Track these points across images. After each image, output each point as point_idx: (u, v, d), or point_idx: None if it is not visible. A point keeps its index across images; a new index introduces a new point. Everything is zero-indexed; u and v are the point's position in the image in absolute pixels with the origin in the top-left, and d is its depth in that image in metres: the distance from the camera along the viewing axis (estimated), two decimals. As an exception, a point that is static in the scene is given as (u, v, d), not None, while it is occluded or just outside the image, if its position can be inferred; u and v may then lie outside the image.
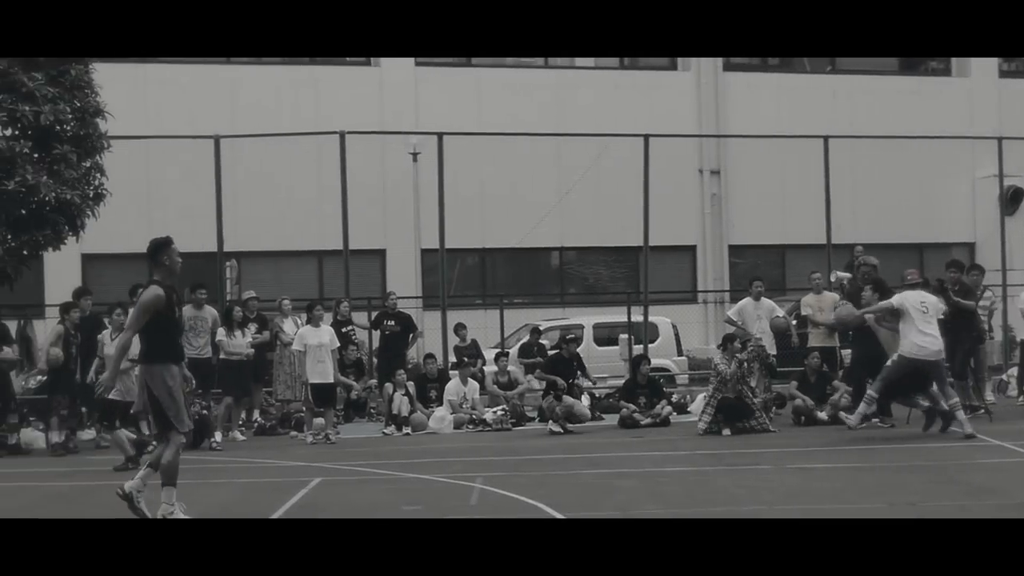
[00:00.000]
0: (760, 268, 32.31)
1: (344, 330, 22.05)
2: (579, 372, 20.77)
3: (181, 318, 11.76)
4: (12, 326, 20.29)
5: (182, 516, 11.28)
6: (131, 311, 11.52)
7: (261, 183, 29.97)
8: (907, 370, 16.45)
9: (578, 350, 21.24)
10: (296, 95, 31.69)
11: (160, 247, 11.64)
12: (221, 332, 19.80)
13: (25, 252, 20.81)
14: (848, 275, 20.61)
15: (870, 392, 16.74)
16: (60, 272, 27.45)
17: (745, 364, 19.00)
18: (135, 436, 17.13)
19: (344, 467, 15.64)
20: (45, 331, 20.87)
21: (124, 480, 11.64)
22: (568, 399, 20.02)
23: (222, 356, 19.85)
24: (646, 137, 25.23)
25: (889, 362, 16.66)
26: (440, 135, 24.66)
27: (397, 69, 32.51)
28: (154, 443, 16.24)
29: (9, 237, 20.19)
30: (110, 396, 16.20)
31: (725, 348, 19.04)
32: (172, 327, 11.59)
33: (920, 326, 16.41)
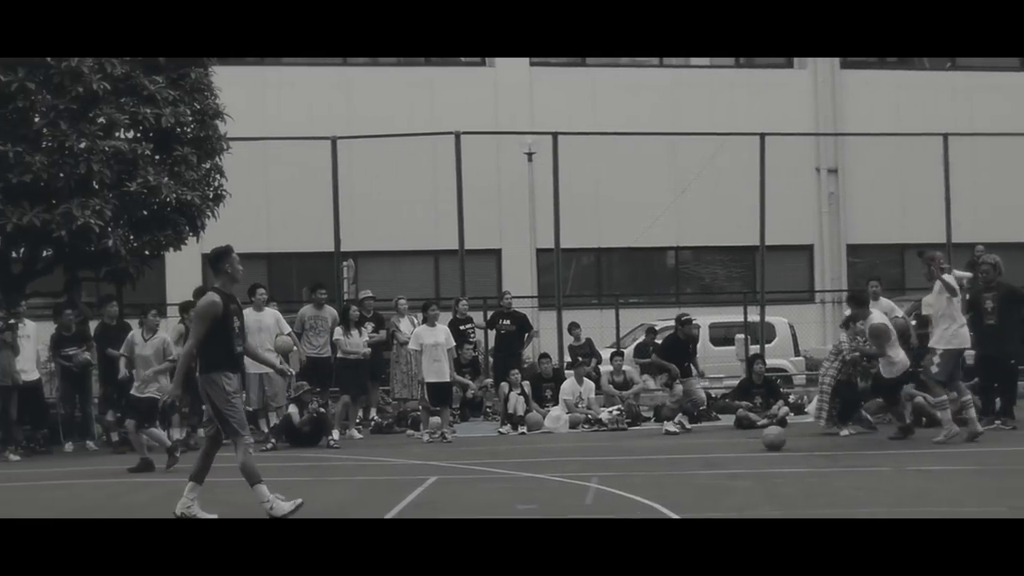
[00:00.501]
0: (878, 267, 31.95)
1: (463, 328, 22.17)
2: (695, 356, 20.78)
3: (242, 326, 11.83)
4: (135, 325, 20.61)
5: (284, 506, 11.42)
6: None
7: (377, 184, 30.18)
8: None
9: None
10: (411, 96, 31.89)
11: (222, 255, 11.88)
12: (338, 331, 20.00)
13: (147, 252, 21.13)
14: (968, 275, 20.29)
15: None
16: (181, 272, 27.87)
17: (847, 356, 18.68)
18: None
19: (460, 466, 15.69)
20: (166, 330, 21.18)
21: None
22: (680, 386, 19.98)
23: (339, 355, 20.04)
24: (762, 136, 25.07)
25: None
26: (555, 135, 24.68)
27: (512, 69, 32.59)
28: (180, 449, 16.53)
29: (131, 238, 20.50)
30: (148, 394, 16.52)
31: (848, 327, 18.77)
32: (229, 335, 11.57)
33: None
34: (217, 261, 11.85)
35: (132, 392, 17.11)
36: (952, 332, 17.05)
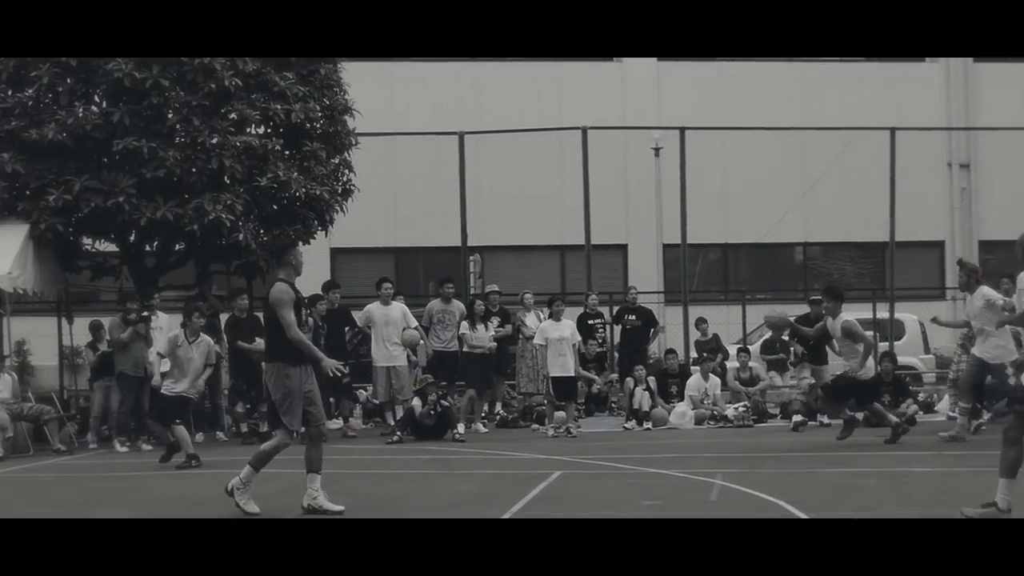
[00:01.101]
0: (1012, 265, 31.32)
1: (591, 323, 22.19)
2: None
3: (308, 319, 12.13)
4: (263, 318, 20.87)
5: (252, 507, 11.75)
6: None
7: (504, 178, 30.28)
8: None
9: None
10: (539, 91, 31.94)
11: (287, 247, 12.37)
12: (464, 326, 20.11)
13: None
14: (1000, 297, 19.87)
15: None
16: (309, 266, 27.94)
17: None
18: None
19: (584, 461, 15.69)
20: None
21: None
22: (810, 372, 19.85)
23: (465, 349, 20.16)
24: (892, 130, 24.75)
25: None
26: (682, 130, 24.58)
27: (639, 64, 32.50)
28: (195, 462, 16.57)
29: (261, 232, 20.79)
30: (177, 392, 16.69)
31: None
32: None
33: None
34: (283, 253, 12.26)
35: (162, 390, 17.25)
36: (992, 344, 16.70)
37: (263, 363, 12.04)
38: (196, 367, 17.13)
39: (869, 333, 18.61)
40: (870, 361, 17.01)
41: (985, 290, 16.75)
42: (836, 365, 18.14)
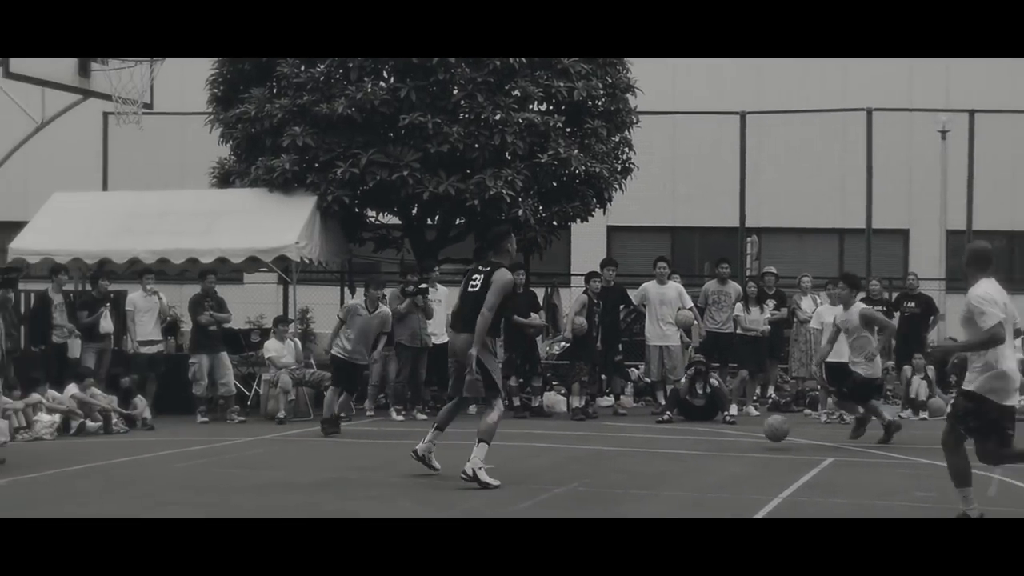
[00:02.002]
0: None
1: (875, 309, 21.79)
2: None
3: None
4: (539, 293, 21.16)
5: (490, 480, 11.98)
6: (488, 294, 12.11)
7: (785, 159, 29.90)
8: None
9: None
10: (823, 71, 31.40)
11: (504, 234, 12.69)
12: (738, 307, 20.00)
13: (555, 223, 21.67)
14: None
15: None
16: (586, 243, 28.36)
17: None
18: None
19: (858, 448, 15.46)
20: (570, 300, 21.65)
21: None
22: None
23: (739, 331, 20.04)
24: None
25: None
26: (972, 112, 23.97)
27: (928, 44, 31.64)
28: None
29: (540, 208, 21.05)
30: (353, 360, 17.34)
31: None
32: (508, 309, 12.81)
33: None
34: (500, 240, 12.62)
35: (335, 353, 17.58)
36: None
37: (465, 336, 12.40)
38: (374, 334, 17.79)
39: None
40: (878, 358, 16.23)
41: None
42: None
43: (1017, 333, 12.97)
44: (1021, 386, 10.65)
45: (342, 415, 17.68)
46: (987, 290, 9.78)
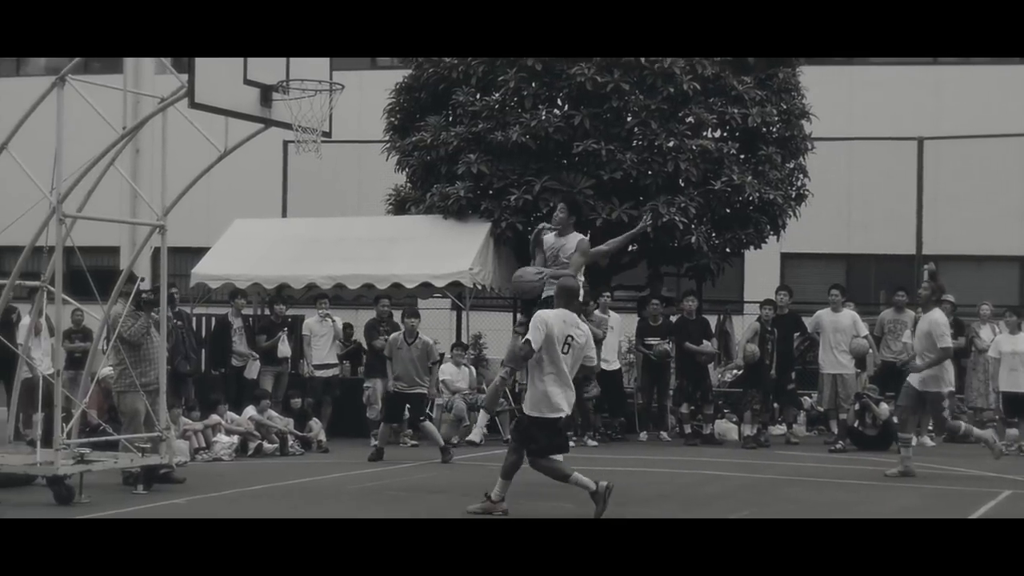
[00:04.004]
0: None
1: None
2: None
3: None
4: (712, 320, 21.09)
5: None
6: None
7: (963, 185, 29.37)
8: None
9: None
10: (1004, 95, 30.80)
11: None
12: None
13: (728, 250, 21.61)
14: None
15: None
16: (759, 270, 28.17)
17: None
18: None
19: (1036, 482, 15.14)
20: (742, 327, 21.53)
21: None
22: None
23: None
24: None
25: None
26: None
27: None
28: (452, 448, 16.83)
29: (713, 235, 21.01)
30: (415, 392, 17.15)
31: None
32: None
33: None
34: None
35: (393, 389, 17.47)
36: None
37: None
38: (414, 366, 17.41)
39: None
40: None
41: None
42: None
43: None
44: None
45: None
46: None
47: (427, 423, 17.59)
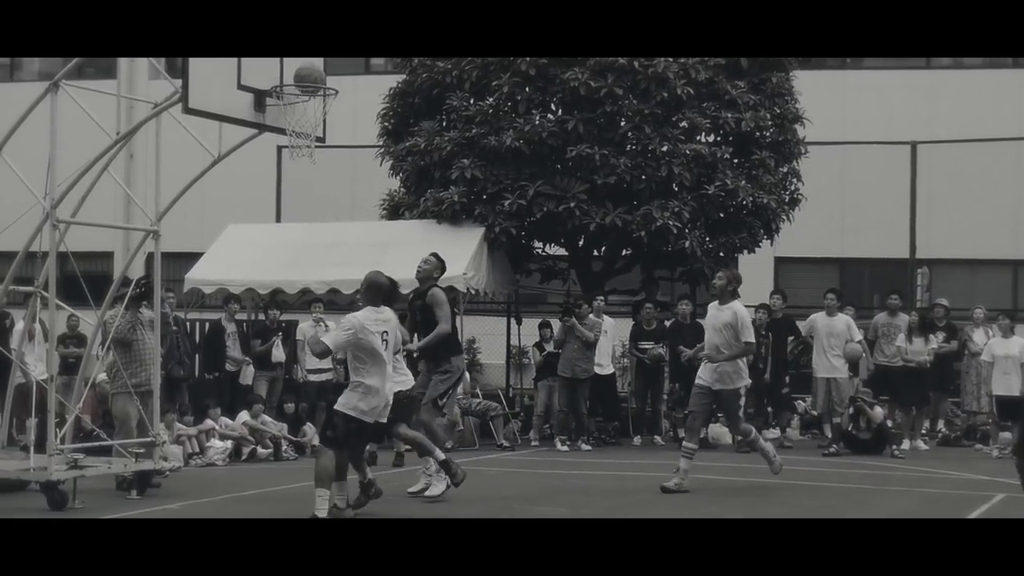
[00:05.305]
0: None
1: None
2: None
3: None
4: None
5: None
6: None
7: (957, 189, 29.42)
8: None
9: None
10: (997, 100, 30.84)
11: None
12: (901, 338, 19.74)
13: (722, 254, 21.60)
14: None
15: None
16: (753, 274, 28.12)
17: None
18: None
19: (1030, 485, 15.13)
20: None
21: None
22: None
23: (900, 362, 19.77)
24: None
25: None
26: None
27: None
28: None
29: (707, 239, 21.02)
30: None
31: None
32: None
33: None
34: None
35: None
36: None
37: None
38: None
39: None
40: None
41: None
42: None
43: None
44: None
45: (504, 443, 17.82)
46: None
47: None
